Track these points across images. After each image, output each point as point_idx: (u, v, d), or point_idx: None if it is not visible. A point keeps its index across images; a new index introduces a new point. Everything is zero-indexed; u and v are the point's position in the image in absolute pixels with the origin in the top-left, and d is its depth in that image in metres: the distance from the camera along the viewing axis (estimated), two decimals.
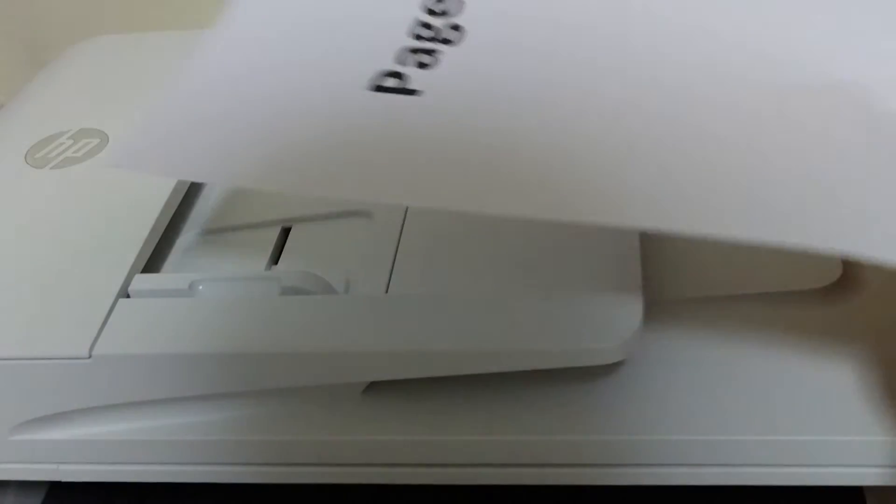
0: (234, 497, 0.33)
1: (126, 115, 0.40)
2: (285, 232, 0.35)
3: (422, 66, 0.26)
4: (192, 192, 0.37)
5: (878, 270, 0.32)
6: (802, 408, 0.28)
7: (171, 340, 0.29)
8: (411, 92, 0.25)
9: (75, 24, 0.65)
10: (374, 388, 0.30)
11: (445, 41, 0.27)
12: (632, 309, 0.27)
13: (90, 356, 0.28)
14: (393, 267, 0.32)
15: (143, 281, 0.31)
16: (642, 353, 0.27)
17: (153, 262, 0.33)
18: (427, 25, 0.27)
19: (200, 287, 0.31)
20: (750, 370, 0.30)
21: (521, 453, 0.29)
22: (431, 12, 0.27)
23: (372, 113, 0.25)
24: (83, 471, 0.32)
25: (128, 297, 0.30)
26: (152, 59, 0.45)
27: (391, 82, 0.26)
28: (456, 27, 0.27)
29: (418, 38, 0.27)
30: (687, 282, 0.32)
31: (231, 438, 0.30)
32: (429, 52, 0.26)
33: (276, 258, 0.34)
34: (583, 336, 0.27)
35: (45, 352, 0.29)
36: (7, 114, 0.42)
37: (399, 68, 0.26)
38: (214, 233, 0.36)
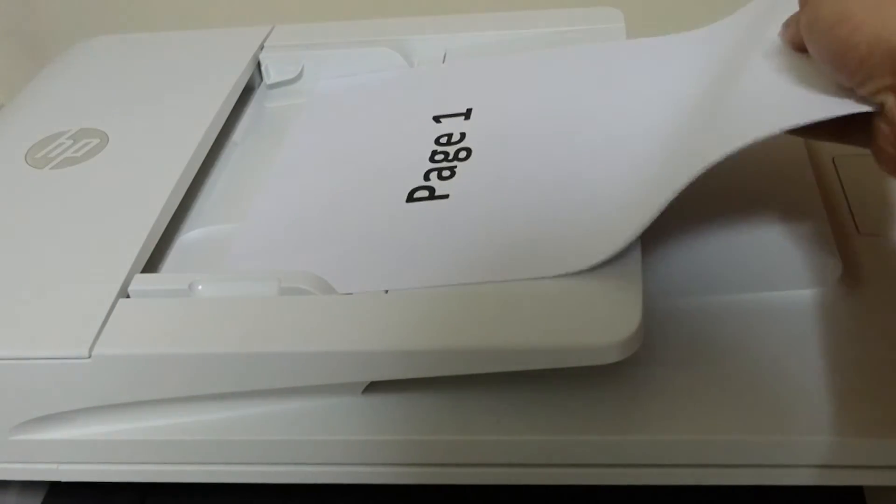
0: (234, 496, 0.33)
1: (126, 115, 0.40)
2: None
3: (443, 178, 0.35)
4: (191, 192, 0.37)
5: (879, 270, 0.33)
6: (803, 408, 0.28)
7: (171, 340, 0.29)
8: (443, 197, 0.34)
9: (75, 24, 0.65)
10: (374, 388, 0.30)
11: (458, 159, 0.35)
12: (632, 309, 0.27)
13: (90, 356, 0.28)
14: None
15: (142, 281, 0.31)
16: (642, 353, 0.27)
17: (153, 262, 0.33)
18: (441, 153, 0.36)
19: (200, 287, 0.31)
20: (750, 370, 0.30)
21: (522, 453, 0.29)
22: (440, 143, 0.37)
23: (411, 217, 0.33)
24: (83, 471, 0.32)
25: (128, 297, 0.31)
26: (152, 59, 0.45)
27: (422, 193, 0.34)
28: (466, 149, 0.36)
29: (436, 161, 0.36)
30: (687, 282, 0.32)
31: (231, 438, 0.30)
32: (448, 168, 0.35)
33: None
34: (583, 336, 0.27)
35: (45, 352, 0.29)
36: (7, 114, 0.42)
37: (426, 183, 0.35)
38: (214, 232, 0.36)
